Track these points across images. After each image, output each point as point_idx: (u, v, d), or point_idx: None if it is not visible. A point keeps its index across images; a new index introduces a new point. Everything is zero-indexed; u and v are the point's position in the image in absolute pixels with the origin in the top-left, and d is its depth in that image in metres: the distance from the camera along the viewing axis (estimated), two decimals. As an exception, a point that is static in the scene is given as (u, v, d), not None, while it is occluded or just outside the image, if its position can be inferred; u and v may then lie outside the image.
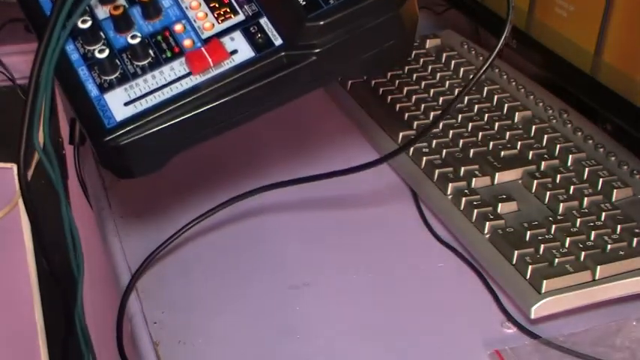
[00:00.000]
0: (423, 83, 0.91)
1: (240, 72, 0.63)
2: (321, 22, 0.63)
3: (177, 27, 0.66)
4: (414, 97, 0.89)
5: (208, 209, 0.75)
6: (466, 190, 0.75)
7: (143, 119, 0.62)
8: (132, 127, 0.62)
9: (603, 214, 0.71)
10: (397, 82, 0.91)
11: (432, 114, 0.86)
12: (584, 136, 0.81)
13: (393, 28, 0.64)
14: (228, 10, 0.66)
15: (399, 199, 0.81)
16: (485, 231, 0.72)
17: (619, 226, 0.70)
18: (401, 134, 0.83)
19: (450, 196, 0.76)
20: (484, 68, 0.64)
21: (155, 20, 0.66)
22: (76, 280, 0.67)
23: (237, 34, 0.65)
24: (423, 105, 0.87)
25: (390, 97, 0.89)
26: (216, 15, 0.66)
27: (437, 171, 0.78)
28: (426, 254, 0.74)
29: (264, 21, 0.65)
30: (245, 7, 0.66)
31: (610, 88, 0.77)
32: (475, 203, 0.74)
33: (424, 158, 0.80)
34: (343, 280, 0.71)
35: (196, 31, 0.65)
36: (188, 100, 0.63)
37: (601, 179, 0.75)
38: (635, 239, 0.69)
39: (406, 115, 0.86)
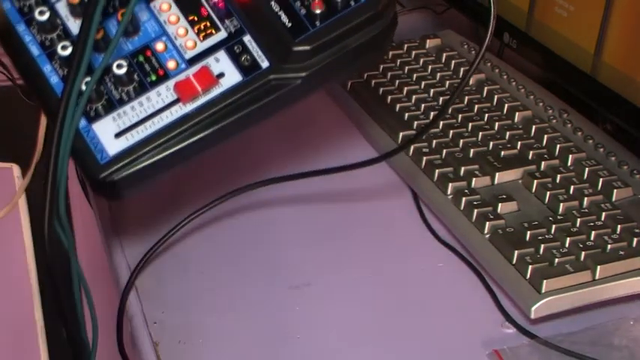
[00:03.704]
0: (423, 83, 0.91)
1: (229, 98, 0.62)
2: (308, 47, 0.62)
3: (159, 46, 0.63)
4: (414, 97, 0.89)
5: (206, 204, 0.75)
6: (466, 190, 0.75)
7: (136, 152, 0.62)
8: (126, 161, 0.61)
9: (603, 214, 0.71)
10: (397, 82, 0.91)
11: (432, 114, 0.86)
12: (584, 136, 0.81)
13: (377, 42, 0.64)
14: (208, 24, 0.64)
15: (399, 199, 0.81)
16: (485, 231, 0.72)
17: (619, 226, 0.70)
18: (401, 134, 0.83)
19: (450, 196, 0.76)
20: (477, 62, 0.64)
21: (134, 37, 0.64)
22: (90, 350, 0.63)
23: (222, 55, 0.63)
24: (423, 105, 0.87)
25: (390, 97, 0.89)
26: (196, 30, 0.64)
27: (437, 171, 0.78)
28: (426, 254, 0.74)
29: (247, 39, 0.63)
30: (226, 21, 0.64)
31: (610, 88, 0.77)
32: (475, 203, 0.74)
33: (424, 158, 0.80)
34: (343, 280, 0.71)
35: (178, 50, 0.64)
36: (180, 130, 0.62)
37: (601, 179, 0.75)
38: (635, 239, 0.69)
39: (406, 115, 0.86)
